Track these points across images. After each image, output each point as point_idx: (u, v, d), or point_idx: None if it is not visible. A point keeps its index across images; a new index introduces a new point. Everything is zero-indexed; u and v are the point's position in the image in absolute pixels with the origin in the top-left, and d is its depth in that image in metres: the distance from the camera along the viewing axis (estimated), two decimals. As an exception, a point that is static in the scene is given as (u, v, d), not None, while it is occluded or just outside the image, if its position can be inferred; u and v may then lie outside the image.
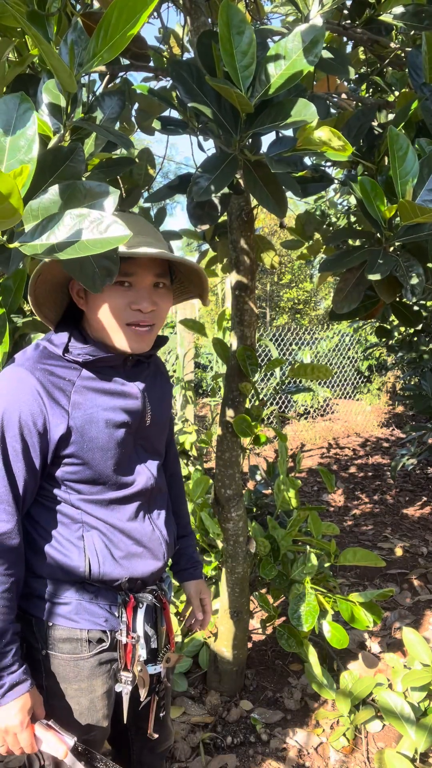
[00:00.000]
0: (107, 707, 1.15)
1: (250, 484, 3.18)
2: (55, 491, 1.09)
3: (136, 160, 1.74)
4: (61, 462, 1.06)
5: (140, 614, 1.13)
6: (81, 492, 1.09)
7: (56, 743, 1.01)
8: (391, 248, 1.34)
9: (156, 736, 1.23)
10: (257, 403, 2.02)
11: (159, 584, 1.21)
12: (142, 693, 1.14)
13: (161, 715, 1.24)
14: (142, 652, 1.12)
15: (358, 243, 1.69)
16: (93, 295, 1.05)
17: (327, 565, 2.08)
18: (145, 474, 1.15)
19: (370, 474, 5.14)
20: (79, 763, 1.02)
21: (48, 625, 1.08)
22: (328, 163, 2.14)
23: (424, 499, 4.46)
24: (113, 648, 1.12)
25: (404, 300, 1.73)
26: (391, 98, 1.95)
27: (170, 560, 1.32)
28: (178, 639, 2.34)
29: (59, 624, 1.08)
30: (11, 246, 0.67)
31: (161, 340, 1.19)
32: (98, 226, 0.65)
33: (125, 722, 1.19)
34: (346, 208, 3.88)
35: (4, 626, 0.99)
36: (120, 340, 1.07)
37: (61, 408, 1.03)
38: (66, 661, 1.09)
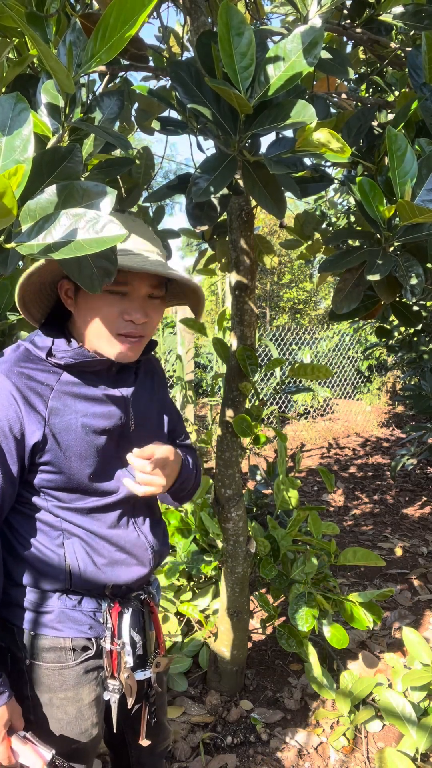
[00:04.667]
0: (96, 715, 1.13)
1: (250, 484, 3.19)
2: (34, 499, 1.06)
3: (136, 161, 1.74)
4: (37, 469, 1.03)
5: (126, 619, 1.11)
6: (59, 499, 1.06)
7: (33, 756, 0.99)
8: (391, 248, 1.34)
9: (148, 743, 1.20)
10: (257, 403, 2.02)
11: (146, 588, 1.19)
12: (130, 701, 1.12)
13: (153, 720, 1.22)
14: (128, 659, 1.10)
15: (357, 243, 1.69)
16: (83, 298, 1.02)
17: (327, 565, 2.08)
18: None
19: (370, 474, 5.14)
20: None
21: (31, 635, 1.06)
22: (328, 163, 2.14)
23: (424, 499, 4.46)
24: (99, 655, 1.11)
25: (404, 300, 1.73)
26: (391, 98, 1.95)
27: (158, 566, 1.28)
28: (178, 639, 2.34)
29: (42, 633, 1.06)
30: (8, 246, 0.67)
31: (151, 344, 1.15)
32: (94, 226, 0.65)
33: (115, 730, 1.18)
34: (346, 208, 3.88)
35: None
36: (108, 349, 1.03)
37: (38, 414, 1.00)
38: (51, 671, 1.07)
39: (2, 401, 0.98)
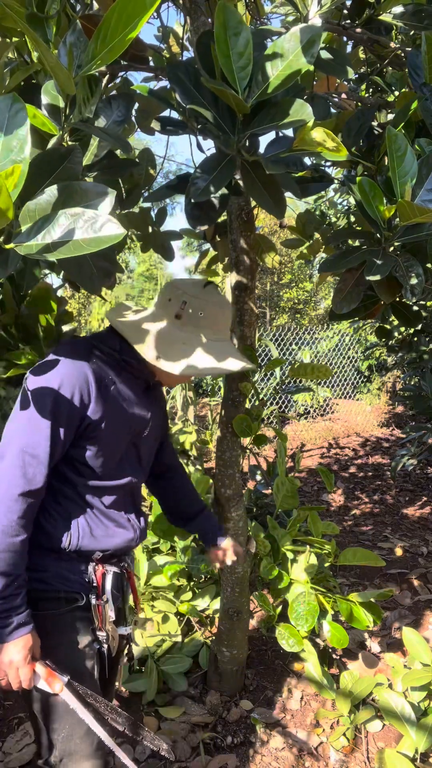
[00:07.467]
0: (91, 656, 1.28)
1: (250, 484, 3.19)
2: (61, 468, 1.23)
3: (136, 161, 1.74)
4: (78, 443, 1.21)
5: (108, 579, 1.31)
6: (82, 475, 1.25)
7: (53, 679, 1.15)
8: (391, 248, 1.34)
9: (124, 690, 1.41)
10: (257, 403, 2.02)
11: (125, 558, 1.40)
12: (113, 649, 1.32)
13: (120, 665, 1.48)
14: (111, 613, 1.31)
15: (357, 243, 1.69)
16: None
17: (327, 565, 2.08)
18: (132, 471, 1.35)
19: (370, 474, 5.14)
20: (73, 697, 1.16)
21: (29, 588, 1.20)
22: (328, 163, 2.14)
23: (424, 499, 4.46)
24: (87, 608, 1.29)
25: (404, 300, 1.73)
26: (391, 98, 1.95)
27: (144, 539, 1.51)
28: (178, 639, 2.35)
29: (37, 588, 1.22)
30: (8, 247, 0.67)
31: None
32: (92, 225, 0.65)
33: (107, 674, 1.36)
34: (346, 208, 3.88)
35: (18, 571, 1.12)
36: (173, 382, 1.38)
37: (101, 397, 1.19)
38: (45, 618, 1.22)
39: (81, 374, 1.16)
